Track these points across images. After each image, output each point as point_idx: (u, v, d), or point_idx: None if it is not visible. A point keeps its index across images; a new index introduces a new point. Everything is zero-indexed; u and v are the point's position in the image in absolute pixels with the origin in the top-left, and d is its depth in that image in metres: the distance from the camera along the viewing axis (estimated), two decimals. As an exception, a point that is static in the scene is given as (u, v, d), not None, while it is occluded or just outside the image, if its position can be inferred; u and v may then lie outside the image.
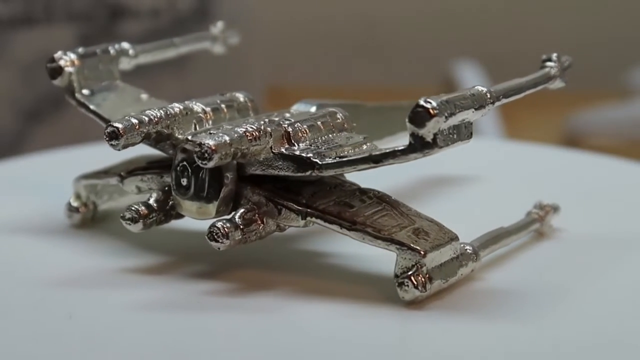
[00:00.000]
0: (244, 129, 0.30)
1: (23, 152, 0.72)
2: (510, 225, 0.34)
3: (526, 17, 1.63)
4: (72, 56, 0.35)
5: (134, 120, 0.31)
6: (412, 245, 0.30)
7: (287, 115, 0.33)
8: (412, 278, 0.29)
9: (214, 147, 0.29)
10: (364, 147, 0.32)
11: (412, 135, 0.28)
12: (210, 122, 0.33)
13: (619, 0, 1.63)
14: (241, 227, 0.30)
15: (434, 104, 0.28)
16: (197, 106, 0.33)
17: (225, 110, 0.33)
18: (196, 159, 0.29)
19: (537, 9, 1.64)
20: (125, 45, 0.36)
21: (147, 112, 0.31)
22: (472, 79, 1.12)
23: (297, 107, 0.34)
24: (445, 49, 1.57)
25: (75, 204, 0.35)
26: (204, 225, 0.31)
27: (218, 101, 0.33)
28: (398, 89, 1.45)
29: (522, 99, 0.31)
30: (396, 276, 0.30)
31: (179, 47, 0.38)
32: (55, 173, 0.43)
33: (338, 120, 0.33)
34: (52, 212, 0.37)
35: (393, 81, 1.59)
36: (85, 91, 0.35)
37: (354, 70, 1.66)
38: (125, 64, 0.36)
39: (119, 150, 0.31)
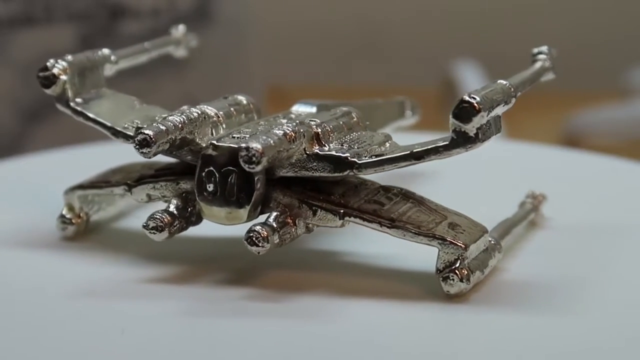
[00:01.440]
0: (282, 131, 0.30)
1: (23, 152, 0.72)
2: (513, 216, 0.34)
3: (526, 17, 1.63)
4: (64, 64, 0.34)
5: (163, 127, 0.30)
6: (453, 239, 0.30)
7: (292, 116, 0.33)
8: (457, 272, 0.30)
9: (262, 151, 0.28)
10: (387, 144, 0.31)
11: (455, 131, 0.29)
12: (224, 125, 0.32)
13: (619, 0, 1.63)
14: (278, 230, 0.30)
15: (478, 99, 0.28)
16: (210, 110, 0.32)
17: (234, 113, 0.33)
18: (242, 163, 0.29)
19: (537, 9, 1.64)
20: (106, 51, 0.35)
21: (170, 118, 0.31)
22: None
23: (297, 108, 0.34)
24: (445, 49, 1.57)
25: (68, 215, 0.34)
26: (208, 231, 0.31)
27: (227, 105, 0.33)
28: (398, 89, 1.45)
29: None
30: (439, 271, 0.30)
31: (150, 51, 0.38)
32: (55, 173, 0.43)
33: (354, 120, 0.33)
34: (52, 218, 0.36)
35: (393, 81, 1.59)
36: (78, 99, 0.34)
37: (354, 71, 1.66)
38: (108, 70, 0.36)
39: (150, 157, 0.30)
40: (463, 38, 1.63)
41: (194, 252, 0.34)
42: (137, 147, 0.30)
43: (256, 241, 0.29)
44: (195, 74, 0.86)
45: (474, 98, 0.29)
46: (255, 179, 0.30)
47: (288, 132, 0.30)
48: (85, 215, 0.35)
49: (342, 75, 1.64)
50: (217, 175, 0.30)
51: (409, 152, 0.30)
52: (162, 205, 0.32)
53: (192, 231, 0.32)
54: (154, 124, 0.30)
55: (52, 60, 0.34)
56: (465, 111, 0.29)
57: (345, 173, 0.30)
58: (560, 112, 1.28)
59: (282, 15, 1.60)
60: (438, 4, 1.65)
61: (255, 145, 0.29)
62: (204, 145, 0.31)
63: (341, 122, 0.32)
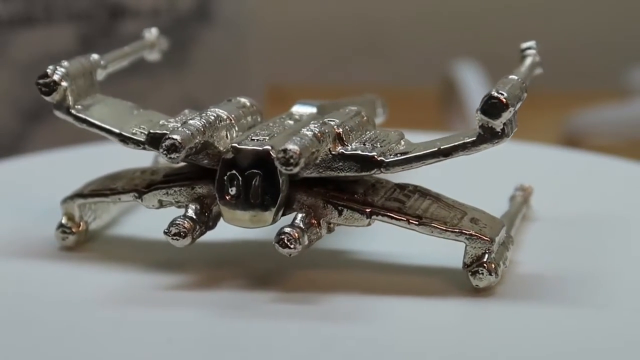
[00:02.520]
0: (311, 132, 0.30)
1: (23, 152, 0.72)
2: (510, 208, 0.35)
3: (526, 17, 1.63)
4: (63, 70, 0.33)
5: (188, 131, 0.30)
6: (480, 234, 0.31)
7: (297, 117, 0.33)
8: (486, 265, 0.30)
9: (299, 152, 0.28)
10: (402, 142, 0.32)
11: (483, 126, 0.29)
12: (236, 128, 0.32)
13: (619, 0, 1.63)
14: (306, 231, 0.30)
15: (506, 94, 0.29)
16: (222, 113, 0.32)
17: (243, 116, 0.33)
18: (279, 166, 0.28)
19: (537, 9, 1.64)
20: (95, 56, 0.35)
21: (192, 122, 0.30)
22: (472, 79, 1.12)
23: (297, 109, 0.34)
24: (445, 49, 1.57)
25: (69, 224, 0.34)
26: (212, 235, 0.31)
27: (235, 107, 0.33)
28: (398, 89, 1.45)
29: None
30: (467, 265, 0.30)
31: (131, 55, 0.37)
32: (55, 173, 0.43)
33: (364, 119, 0.33)
34: (53, 220, 0.36)
35: (393, 81, 1.59)
36: (78, 106, 0.33)
37: (354, 71, 1.66)
38: (99, 75, 0.35)
39: (177, 163, 0.30)
40: (463, 38, 1.63)
41: (207, 257, 0.33)
42: (165, 152, 0.29)
43: (288, 243, 0.29)
44: (195, 74, 0.86)
45: (502, 94, 0.29)
46: (280, 180, 0.30)
47: (316, 132, 0.30)
48: (84, 224, 0.34)
49: (342, 76, 1.64)
50: (240, 179, 0.30)
51: (436, 149, 0.30)
52: (148, 211, 0.32)
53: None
54: (180, 129, 0.30)
55: (51, 67, 0.33)
56: (494, 107, 0.29)
57: (372, 172, 0.30)
58: (560, 112, 1.28)
59: (282, 15, 1.60)
60: (438, 4, 1.65)
61: (293, 147, 0.28)
62: (221, 148, 0.31)
63: (357, 122, 0.32)
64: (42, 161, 0.45)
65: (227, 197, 0.30)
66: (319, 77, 1.62)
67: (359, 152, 0.30)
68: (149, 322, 0.29)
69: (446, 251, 0.32)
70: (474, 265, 0.30)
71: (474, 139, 0.30)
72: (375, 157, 0.30)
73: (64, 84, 0.33)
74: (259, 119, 0.33)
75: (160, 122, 0.32)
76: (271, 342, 0.28)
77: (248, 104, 0.33)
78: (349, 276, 0.32)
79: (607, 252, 0.34)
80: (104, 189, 0.34)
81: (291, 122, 0.33)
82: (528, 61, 0.33)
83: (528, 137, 0.48)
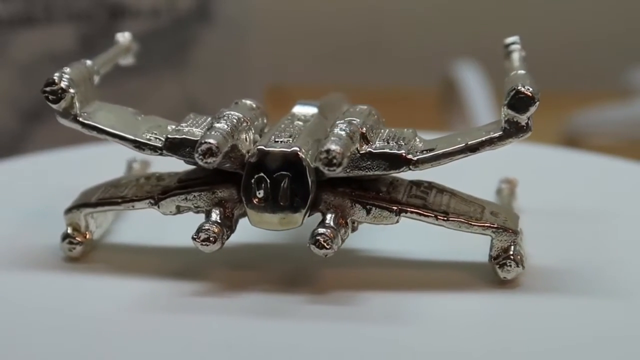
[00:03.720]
0: (344, 132, 0.30)
1: (23, 152, 0.72)
2: (503, 202, 0.36)
3: (526, 18, 1.63)
4: (68, 76, 0.32)
5: (221, 135, 0.30)
6: (505, 226, 0.31)
7: (303, 117, 0.33)
8: (513, 257, 0.31)
9: (342, 152, 0.28)
10: (417, 139, 0.32)
11: (509, 121, 0.30)
12: (252, 131, 0.32)
13: (619, 0, 1.63)
14: (338, 230, 0.30)
15: (532, 89, 0.29)
16: (240, 116, 0.32)
17: (256, 118, 0.32)
18: (321, 167, 0.28)
19: (537, 9, 1.63)
20: (89, 62, 0.34)
21: (218, 125, 0.30)
22: (472, 78, 1.12)
23: (298, 109, 0.34)
24: (445, 49, 1.57)
25: (75, 235, 0.33)
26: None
27: (247, 109, 0.32)
28: (398, 88, 1.45)
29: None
30: (494, 258, 0.31)
31: (112, 60, 0.37)
32: (55, 173, 0.43)
33: (375, 117, 0.33)
34: (54, 221, 0.35)
35: (393, 81, 1.59)
36: (83, 113, 0.32)
37: (354, 70, 1.66)
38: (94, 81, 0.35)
39: (213, 167, 0.30)
40: (463, 38, 1.63)
41: (224, 262, 0.33)
42: (201, 157, 0.29)
43: (324, 244, 0.29)
44: (195, 74, 0.86)
45: (529, 88, 0.29)
46: (310, 181, 0.30)
47: (348, 132, 0.30)
48: (90, 234, 0.34)
49: (342, 76, 1.64)
50: (268, 181, 0.30)
51: (464, 145, 0.30)
52: (139, 218, 0.32)
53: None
54: (212, 132, 0.30)
55: (57, 74, 0.32)
56: (522, 101, 0.29)
57: (401, 170, 0.30)
58: (560, 112, 1.28)
59: (282, 15, 1.60)
60: (438, 3, 1.65)
61: (336, 147, 0.28)
62: (244, 151, 0.31)
63: (373, 120, 0.32)
64: (42, 161, 0.45)
65: (255, 201, 0.30)
66: (319, 77, 1.62)
67: (387, 150, 0.31)
68: (189, 328, 0.29)
69: (452, 246, 0.33)
70: (500, 257, 0.31)
71: (501, 133, 0.30)
72: (405, 155, 0.30)
73: (71, 90, 0.32)
74: (265, 121, 0.33)
75: (174, 127, 0.32)
76: (311, 344, 0.28)
77: (254, 105, 0.33)
78: (374, 274, 0.32)
79: (612, 245, 0.35)
80: (113, 197, 0.33)
81: (300, 122, 0.33)
82: (517, 56, 0.34)
83: (528, 136, 0.48)
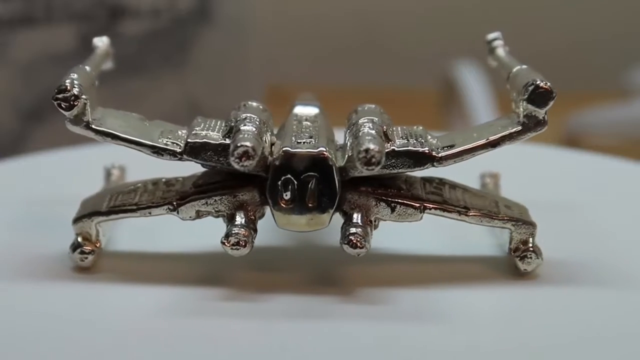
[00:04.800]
0: (373, 130, 0.30)
1: (23, 152, 0.72)
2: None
3: (526, 17, 1.63)
4: (78, 82, 0.31)
5: (254, 138, 0.29)
6: (524, 219, 0.32)
7: (309, 118, 0.33)
8: (533, 249, 0.31)
9: (380, 150, 0.28)
10: (429, 135, 0.32)
11: (528, 115, 0.30)
12: (269, 133, 0.31)
13: (619, 0, 1.63)
14: (368, 230, 0.30)
15: (549, 83, 0.30)
16: (258, 118, 0.32)
17: (268, 119, 0.32)
18: (360, 166, 0.28)
19: (537, 9, 1.63)
20: (87, 68, 0.33)
21: (245, 128, 0.30)
22: (472, 79, 1.12)
23: (299, 110, 0.34)
24: (445, 49, 1.57)
25: (86, 244, 0.32)
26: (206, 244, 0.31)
27: (260, 111, 0.32)
28: (398, 88, 1.45)
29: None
30: (514, 251, 0.32)
31: (100, 64, 0.35)
32: (55, 173, 0.43)
33: (386, 115, 0.33)
34: (56, 223, 0.35)
35: (393, 81, 1.59)
36: (94, 120, 0.32)
37: (353, 70, 1.66)
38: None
39: (248, 170, 0.29)
40: (463, 38, 1.63)
41: (244, 265, 0.33)
42: (237, 160, 0.29)
43: (358, 243, 0.29)
44: (195, 74, 0.86)
45: (547, 83, 0.30)
46: (337, 181, 0.30)
47: (377, 130, 0.30)
48: (100, 243, 0.33)
49: (342, 76, 1.64)
50: (295, 183, 0.30)
51: (485, 140, 0.31)
52: (132, 226, 0.32)
53: (207, 247, 0.32)
54: (245, 135, 0.29)
55: (68, 81, 0.31)
56: (542, 96, 0.30)
57: (425, 167, 0.31)
58: (560, 112, 1.28)
59: (281, 14, 1.60)
60: (438, 4, 1.65)
61: (375, 147, 0.28)
62: (266, 153, 0.30)
63: (386, 118, 0.32)
64: (42, 161, 0.45)
65: (282, 203, 0.30)
66: (319, 78, 1.62)
67: (411, 148, 0.31)
68: (228, 334, 0.28)
69: (453, 239, 0.33)
70: (520, 250, 0.31)
71: (520, 128, 0.31)
72: (428, 152, 0.31)
73: (83, 97, 0.31)
74: (271, 122, 0.33)
75: (190, 132, 0.32)
76: (348, 344, 0.28)
77: (261, 107, 0.33)
78: (394, 270, 0.32)
79: (614, 240, 0.35)
80: (126, 204, 0.32)
81: (309, 123, 0.33)
82: (503, 51, 0.34)
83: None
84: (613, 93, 1.38)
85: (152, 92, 0.83)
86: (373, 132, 0.30)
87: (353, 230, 0.30)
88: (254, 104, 0.33)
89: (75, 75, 0.31)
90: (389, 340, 0.28)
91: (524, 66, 0.32)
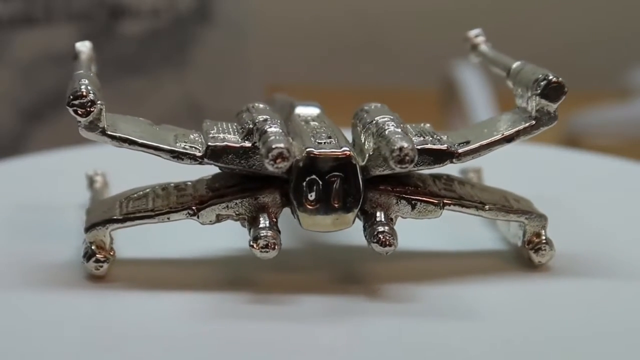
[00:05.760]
0: (399, 129, 0.30)
1: (23, 152, 0.72)
2: None
3: (526, 17, 1.63)
4: (91, 87, 0.30)
5: (286, 139, 0.29)
6: (537, 212, 0.32)
7: (314, 118, 0.33)
8: (547, 241, 0.32)
9: (413, 148, 0.28)
10: (440, 132, 0.32)
11: (540, 110, 0.31)
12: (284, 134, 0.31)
13: (619, 0, 1.63)
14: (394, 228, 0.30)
15: (561, 78, 0.30)
16: (280, 119, 0.31)
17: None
18: (394, 164, 0.28)
19: (537, 8, 1.64)
20: (90, 72, 0.32)
21: (272, 129, 0.30)
22: (472, 79, 1.12)
23: (301, 110, 0.34)
24: (445, 49, 1.57)
25: (101, 254, 0.31)
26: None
27: (273, 112, 0.32)
28: (398, 88, 1.45)
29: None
30: (528, 243, 0.32)
31: (90, 69, 0.34)
32: (56, 173, 0.43)
33: (395, 114, 0.33)
34: (57, 224, 0.35)
35: (393, 81, 1.59)
36: (109, 125, 0.31)
37: (353, 70, 1.66)
38: None
39: (283, 171, 0.29)
40: (463, 38, 1.63)
41: (265, 268, 0.32)
42: (272, 162, 0.28)
43: (387, 241, 0.29)
44: (195, 74, 0.86)
45: (558, 77, 0.31)
46: (361, 181, 0.30)
47: (403, 129, 0.30)
48: (113, 251, 0.32)
49: (342, 76, 1.64)
50: (320, 184, 0.30)
51: (501, 135, 0.31)
52: (124, 232, 0.31)
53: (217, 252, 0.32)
54: (276, 137, 0.29)
55: (83, 86, 0.30)
56: (555, 90, 0.31)
57: (444, 164, 0.31)
58: (561, 112, 1.28)
59: (281, 14, 1.60)
60: (438, 4, 1.65)
61: (409, 145, 0.28)
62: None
63: (397, 117, 0.32)
64: (42, 161, 0.45)
65: (307, 204, 0.30)
66: (319, 78, 1.62)
67: (430, 145, 0.31)
68: (263, 336, 0.28)
69: (459, 235, 0.33)
70: (534, 242, 0.32)
71: (533, 122, 0.31)
72: (448, 149, 0.31)
73: (99, 102, 0.30)
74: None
75: (208, 135, 0.31)
76: (383, 339, 0.28)
77: (268, 108, 0.33)
78: (410, 266, 0.32)
79: (615, 236, 0.35)
80: (141, 210, 0.32)
81: (316, 123, 0.33)
82: (487, 47, 0.35)
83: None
84: (613, 93, 1.38)
85: (152, 92, 0.83)
86: (399, 130, 0.30)
87: (381, 228, 0.30)
88: (261, 105, 0.33)
89: (86, 81, 0.30)
90: (428, 338, 0.28)
91: (520, 62, 0.32)
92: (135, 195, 0.32)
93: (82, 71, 0.32)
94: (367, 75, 1.64)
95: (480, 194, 0.32)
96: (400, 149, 0.28)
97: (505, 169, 0.44)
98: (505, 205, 0.32)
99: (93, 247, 0.31)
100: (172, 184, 0.32)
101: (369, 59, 1.66)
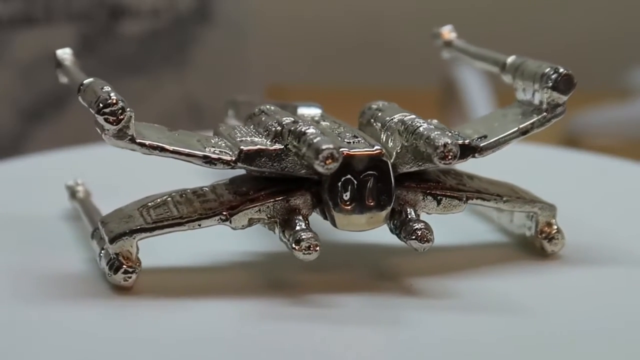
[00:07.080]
0: (432, 125, 0.30)
1: (23, 152, 0.72)
2: None
3: (526, 17, 1.63)
4: (114, 93, 0.29)
5: (332, 140, 0.29)
6: (546, 202, 0.33)
7: (320, 118, 0.33)
8: (559, 230, 0.33)
9: (455, 144, 0.29)
10: (449, 127, 0.32)
11: (551, 102, 0.31)
12: None
13: (619, 0, 1.63)
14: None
15: (570, 70, 0.31)
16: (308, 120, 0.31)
17: None
18: (438, 161, 0.29)
19: (537, 8, 1.64)
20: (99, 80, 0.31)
21: (311, 131, 0.29)
22: (472, 78, 1.12)
23: (303, 111, 0.34)
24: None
25: (128, 264, 0.30)
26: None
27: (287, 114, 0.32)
28: (398, 88, 1.45)
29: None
30: (541, 233, 0.33)
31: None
32: (56, 174, 0.43)
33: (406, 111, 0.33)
34: (58, 223, 0.35)
35: (393, 81, 1.59)
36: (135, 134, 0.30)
37: (353, 70, 1.66)
38: None
39: (332, 172, 0.29)
40: (463, 38, 1.63)
41: (299, 269, 0.32)
42: (322, 163, 0.28)
43: (425, 237, 0.30)
44: (195, 74, 0.86)
45: (568, 69, 0.31)
46: (392, 179, 0.30)
47: (434, 125, 0.30)
48: (140, 261, 0.31)
49: (342, 75, 1.64)
50: (355, 183, 0.30)
51: (516, 128, 0.32)
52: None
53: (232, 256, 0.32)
54: (322, 138, 0.29)
55: (112, 94, 0.29)
56: (566, 82, 0.31)
57: (467, 158, 0.31)
58: (560, 112, 1.28)
59: (281, 14, 1.60)
60: (438, 3, 1.65)
61: (451, 141, 0.29)
62: None
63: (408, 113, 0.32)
64: (42, 161, 0.45)
65: (341, 204, 0.30)
66: (319, 77, 1.62)
67: (460, 141, 0.31)
68: (309, 338, 0.28)
69: (457, 229, 0.34)
70: (546, 232, 0.32)
71: (545, 114, 0.31)
72: (471, 143, 0.31)
73: (129, 110, 0.29)
74: None
75: (238, 140, 0.31)
76: (429, 331, 0.28)
77: (274, 108, 0.33)
78: (433, 261, 0.33)
79: (616, 234, 0.36)
80: (169, 218, 0.31)
81: (327, 123, 0.33)
82: (462, 42, 0.35)
83: (528, 136, 0.48)
84: (613, 93, 1.38)
85: (152, 92, 0.83)
86: (432, 127, 0.30)
87: (417, 225, 0.30)
88: (272, 107, 0.32)
89: (109, 88, 0.30)
90: (474, 334, 0.28)
91: (517, 56, 0.32)
92: (152, 203, 0.31)
93: (92, 79, 0.31)
94: (367, 75, 1.64)
95: (491, 187, 0.32)
96: (445, 145, 0.29)
97: (506, 168, 0.44)
98: (519, 196, 0.32)
99: (120, 258, 0.30)
100: (189, 190, 0.32)
101: (369, 59, 1.66)
